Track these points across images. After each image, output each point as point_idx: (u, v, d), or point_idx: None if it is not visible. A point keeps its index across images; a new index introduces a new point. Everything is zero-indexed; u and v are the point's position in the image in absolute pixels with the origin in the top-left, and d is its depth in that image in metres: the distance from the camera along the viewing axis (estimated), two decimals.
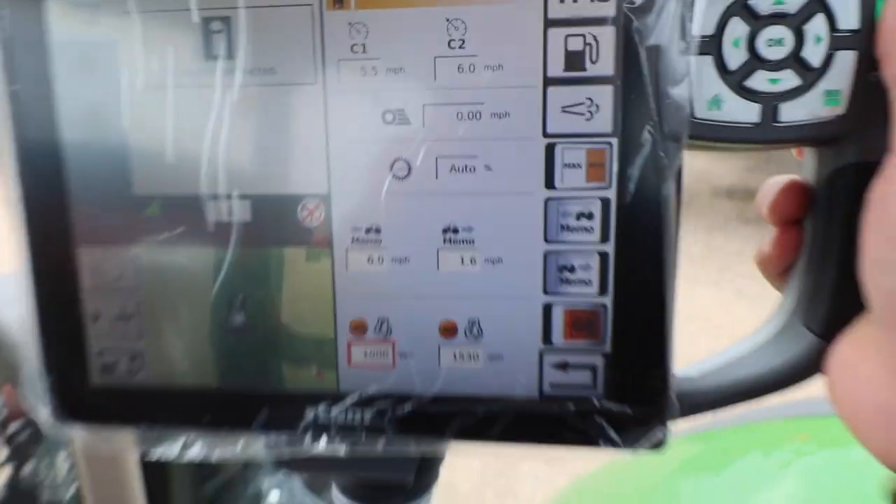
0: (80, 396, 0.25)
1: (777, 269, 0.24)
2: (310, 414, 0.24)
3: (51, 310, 0.25)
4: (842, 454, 0.59)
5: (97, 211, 0.24)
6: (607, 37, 0.21)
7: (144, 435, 0.25)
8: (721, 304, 2.44)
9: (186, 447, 0.25)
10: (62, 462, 1.00)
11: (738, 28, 0.20)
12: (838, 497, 0.54)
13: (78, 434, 0.25)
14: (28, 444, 0.99)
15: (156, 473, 0.81)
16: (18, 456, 0.98)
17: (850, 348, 0.21)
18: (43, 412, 0.25)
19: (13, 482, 0.91)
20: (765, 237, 0.24)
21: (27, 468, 0.99)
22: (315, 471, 0.27)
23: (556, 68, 0.21)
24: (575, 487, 0.78)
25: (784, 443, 0.66)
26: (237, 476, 1.03)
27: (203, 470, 0.95)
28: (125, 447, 0.25)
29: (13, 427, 0.97)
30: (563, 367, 0.23)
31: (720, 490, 0.62)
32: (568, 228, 0.22)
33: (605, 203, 0.22)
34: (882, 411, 0.19)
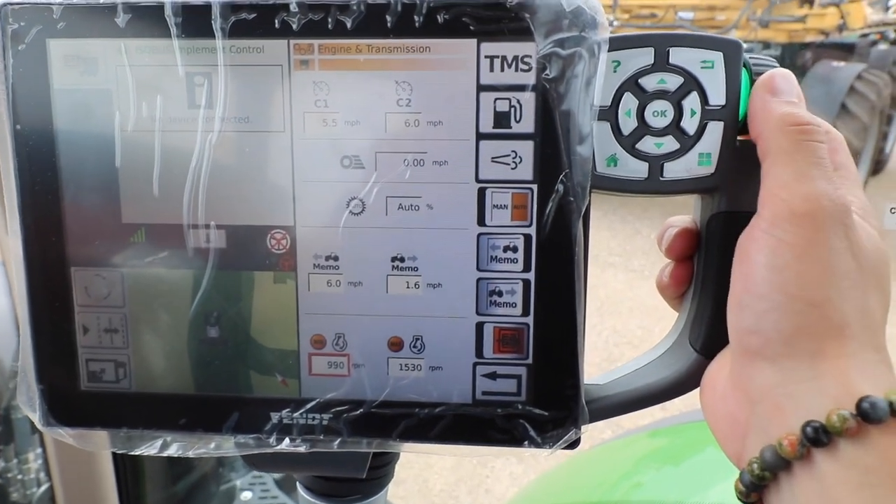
0: (69, 401, 0.28)
1: (672, 296, 0.29)
2: (275, 417, 0.28)
3: (45, 324, 0.28)
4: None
5: (89, 236, 0.27)
6: (528, 101, 0.25)
7: (127, 436, 0.28)
8: None
9: (165, 446, 0.28)
10: (32, 461, 1.01)
11: (629, 101, 0.25)
12: None
13: (66, 436, 0.29)
14: None
15: (128, 473, 0.83)
16: None
17: (715, 368, 0.26)
18: (34, 417, 0.28)
19: None
20: (664, 267, 0.29)
21: None
22: (279, 468, 0.30)
23: (487, 125, 0.25)
24: (541, 481, 0.82)
25: None
26: (210, 475, 1.05)
27: (175, 468, 0.97)
28: (104, 446, 0.29)
29: None
30: (493, 376, 0.27)
31: (680, 481, 0.66)
32: (497, 259, 0.26)
33: (528, 238, 0.26)
34: (729, 420, 0.24)
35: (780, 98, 0.24)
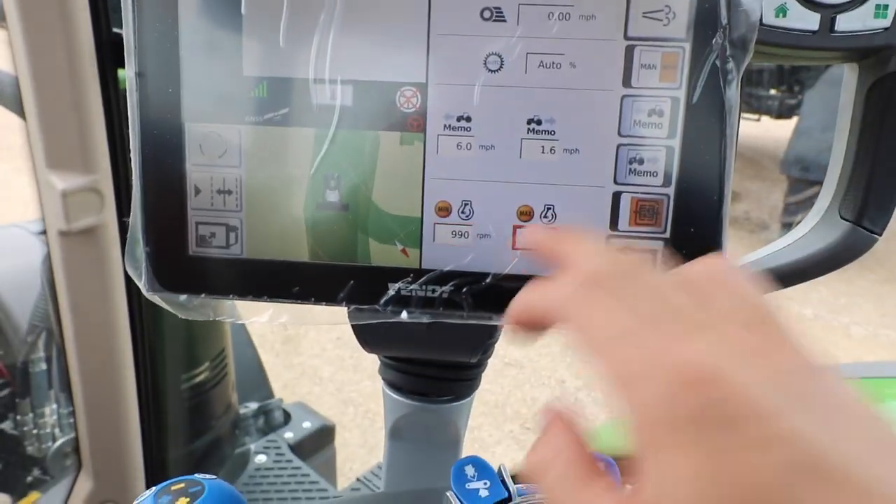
0: (177, 266, 0.27)
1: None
2: (393, 288, 0.26)
3: (155, 182, 0.26)
4: None
5: (207, 89, 0.26)
6: None
7: (235, 303, 0.27)
8: None
9: (276, 316, 0.27)
10: (49, 416, 1.00)
11: None
12: None
13: (171, 303, 0.27)
14: (9, 399, 0.98)
15: (152, 428, 0.82)
16: None
17: None
18: (139, 282, 0.27)
19: None
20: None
21: (7, 423, 0.98)
22: (390, 346, 0.29)
23: None
24: None
25: None
26: (225, 437, 1.04)
27: (194, 427, 0.96)
28: (211, 315, 0.27)
29: None
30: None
31: None
32: (640, 124, 0.25)
33: (675, 102, 0.25)
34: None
35: None
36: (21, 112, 0.64)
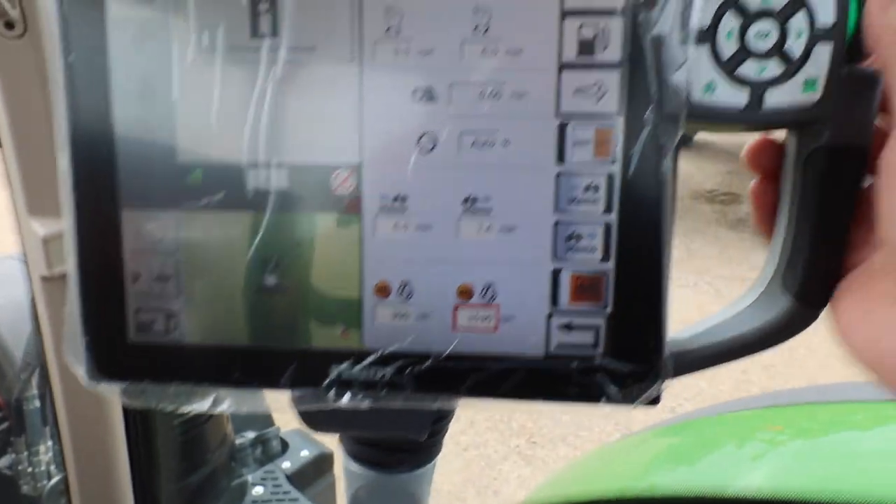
0: (117, 354, 0.27)
1: (760, 220, 0.27)
2: (335, 370, 0.26)
3: (93, 269, 0.26)
4: (812, 444, 0.62)
5: (143, 176, 0.26)
6: (616, 27, 0.23)
7: (177, 391, 0.27)
8: (699, 306, 2.50)
9: (217, 402, 0.27)
10: (43, 454, 0.99)
11: (731, 22, 0.23)
12: (810, 487, 0.56)
13: (112, 391, 0.27)
14: (5, 436, 0.98)
15: (143, 465, 0.82)
16: None
17: (861, 303, 0.23)
18: (80, 370, 0.27)
19: None
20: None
21: (4, 460, 0.98)
22: (336, 427, 0.29)
23: (570, 54, 0.24)
24: (552, 480, 0.80)
25: (758, 433, 0.68)
26: (221, 469, 1.04)
27: (187, 461, 0.95)
28: (152, 402, 0.27)
29: None
30: (569, 327, 0.25)
31: (695, 482, 0.64)
32: (576, 200, 0.25)
33: (610, 177, 0.24)
34: None
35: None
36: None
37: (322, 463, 1.15)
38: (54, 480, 0.95)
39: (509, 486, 1.69)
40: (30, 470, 0.98)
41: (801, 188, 0.25)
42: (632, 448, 0.76)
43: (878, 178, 0.22)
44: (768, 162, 0.26)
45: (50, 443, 0.97)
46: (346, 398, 0.26)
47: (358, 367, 0.26)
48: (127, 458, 0.81)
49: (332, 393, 0.26)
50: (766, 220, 0.26)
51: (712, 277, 2.54)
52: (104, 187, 0.26)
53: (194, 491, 0.98)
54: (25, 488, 0.97)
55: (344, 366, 0.26)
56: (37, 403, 0.96)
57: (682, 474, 0.67)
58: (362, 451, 0.32)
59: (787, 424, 0.66)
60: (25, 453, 0.97)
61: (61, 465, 0.95)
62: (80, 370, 0.27)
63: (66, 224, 0.26)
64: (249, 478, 1.08)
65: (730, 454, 0.68)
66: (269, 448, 1.15)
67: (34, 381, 0.97)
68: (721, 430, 0.73)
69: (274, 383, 0.26)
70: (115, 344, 0.27)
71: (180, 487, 0.95)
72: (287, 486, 1.08)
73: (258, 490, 1.06)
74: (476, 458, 1.77)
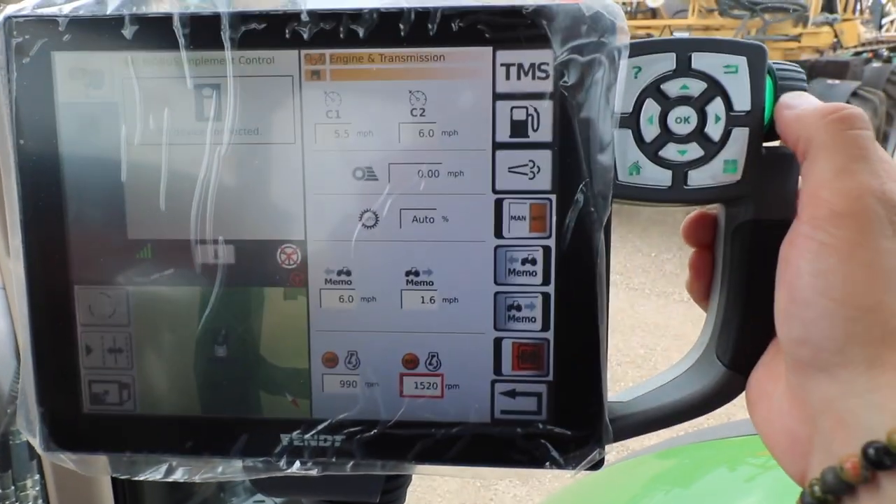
0: (71, 425, 0.27)
1: (696, 290, 0.28)
2: (285, 439, 0.27)
3: (46, 343, 0.27)
4: None
5: (93, 253, 0.26)
6: (546, 109, 0.24)
7: (131, 460, 0.27)
8: (693, 321, 2.51)
9: (171, 471, 0.27)
10: (30, 488, 0.99)
11: (651, 108, 0.24)
12: None
13: (67, 461, 0.27)
14: None
15: (128, 499, 0.82)
16: None
17: (765, 381, 0.24)
18: (34, 441, 0.27)
19: None
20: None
21: None
22: (288, 492, 0.29)
23: (503, 134, 0.25)
24: (550, 502, 0.80)
25: (749, 458, 0.68)
26: (210, 499, 1.03)
27: (175, 494, 0.95)
28: (106, 471, 0.27)
29: None
30: (512, 394, 0.26)
31: (690, 502, 0.65)
32: (515, 272, 0.25)
33: (547, 250, 0.25)
34: (789, 436, 0.22)
35: (807, 105, 0.23)
36: None
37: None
38: None
39: None
40: (18, 502, 0.97)
41: (731, 260, 0.25)
42: (628, 470, 0.76)
43: (777, 268, 0.23)
44: (703, 235, 0.27)
45: (37, 477, 0.97)
46: (297, 466, 0.27)
47: (308, 434, 0.27)
48: (111, 494, 0.81)
49: (283, 461, 0.27)
50: (704, 289, 0.27)
51: None
52: (56, 265, 0.26)
53: None
54: None
55: (294, 434, 0.27)
56: (23, 438, 0.96)
57: (677, 496, 0.68)
58: None
59: None
60: (12, 488, 0.96)
61: (46, 500, 0.94)
62: (35, 441, 0.27)
63: (18, 301, 0.26)
64: None
65: (723, 477, 0.68)
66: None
67: None
68: (714, 454, 0.73)
69: (226, 453, 0.27)
70: (69, 415, 0.27)
71: None
72: None
73: None
74: (472, 476, 1.76)
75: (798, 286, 0.21)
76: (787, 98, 0.23)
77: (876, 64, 4.25)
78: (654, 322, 2.63)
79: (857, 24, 4.24)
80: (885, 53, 4.48)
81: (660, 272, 3.17)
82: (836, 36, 3.99)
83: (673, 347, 2.41)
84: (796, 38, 3.84)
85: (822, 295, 0.21)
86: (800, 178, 0.22)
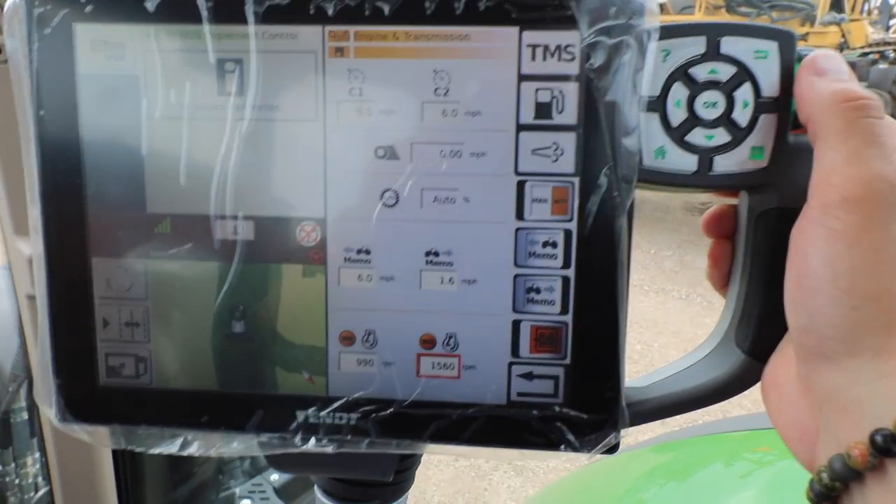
0: (87, 397, 0.27)
1: (716, 279, 0.28)
2: (300, 416, 0.27)
3: (63, 316, 0.27)
4: (800, 465, 0.62)
5: (112, 226, 0.26)
6: (571, 91, 0.24)
7: (146, 433, 0.27)
8: (691, 318, 2.51)
9: (185, 445, 0.27)
10: (30, 466, 0.99)
11: (679, 92, 0.24)
12: None
13: (82, 433, 0.27)
14: None
15: (129, 477, 0.82)
16: None
17: (778, 370, 0.24)
18: (50, 412, 0.27)
19: None
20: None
21: None
22: (303, 469, 0.29)
23: (527, 116, 0.25)
24: (543, 495, 0.81)
25: (745, 453, 0.69)
26: (209, 482, 1.04)
27: (175, 475, 0.95)
28: (121, 444, 0.27)
29: None
30: (529, 377, 0.26)
31: (684, 498, 0.65)
32: (535, 255, 0.25)
33: (568, 234, 0.25)
34: (798, 425, 0.23)
35: (827, 77, 0.22)
36: None
37: (309, 477, 1.15)
38: (41, 493, 0.95)
39: (499, 498, 1.70)
40: (17, 482, 0.98)
41: (753, 247, 0.25)
42: (624, 463, 0.77)
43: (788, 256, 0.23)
44: (725, 226, 0.27)
45: (37, 454, 0.97)
46: (312, 443, 0.27)
47: (323, 412, 0.27)
48: (112, 471, 0.82)
49: (298, 437, 0.27)
50: (723, 277, 0.27)
51: (705, 290, 2.55)
52: (75, 237, 0.26)
53: (182, 503, 0.98)
54: (12, 500, 0.97)
55: (310, 411, 0.27)
56: (24, 416, 0.96)
57: (672, 490, 0.68)
58: (334, 487, 0.33)
59: (774, 446, 0.67)
60: (13, 465, 0.97)
61: (48, 477, 0.95)
62: (51, 412, 0.27)
63: (36, 273, 0.26)
64: (237, 490, 1.08)
65: (719, 472, 0.68)
66: (256, 461, 1.15)
67: (23, 393, 0.97)
68: (711, 450, 0.73)
69: (241, 428, 0.27)
70: (85, 387, 0.27)
71: (168, 500, 0.95)
72: (275, 499, 1.08)
73: (246, 502, 1.06)
74: (466, 468, 1.77)
75: (805, 274, 0.21)
76: (816, 60, 0.23)
77: (882, 66, 4.24)
78: (652, 318, 2.63)
79: (864, 24, 4.22)
80: (893, 55, 4.46)
81: (659, 269, 3.17)
82: (843, 36, 3.97)
83: (671, 344, 2.42)
84: (803, 38, 3.83)
85: (829, 283, 0.21)
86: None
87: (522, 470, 1.77)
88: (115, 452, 0.80)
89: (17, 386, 0.97)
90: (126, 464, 0.82)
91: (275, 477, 1.11)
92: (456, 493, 1.70)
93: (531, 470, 1.77)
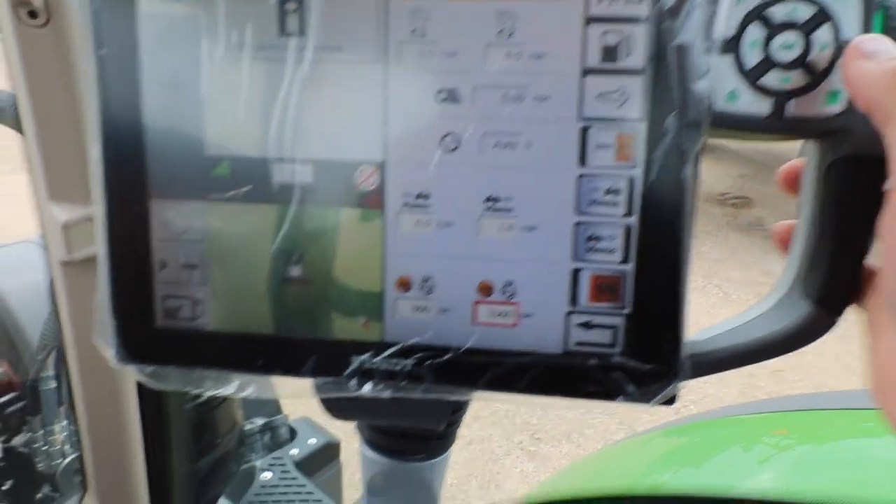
0: (144, 338, 0.27)
1: (779, 233, 0.27)
2: (356, 361, 0.27)
3: (122, 257, 0.27)
4: (819, 449, 0.62)
5: (171, 167, 0.26)
6: (640, 34, 0.24)
7: (202, 376, 0.28)
8: (707, 309, 2.49)
9: (242, 388, 0.27)
10: (59, 433, 1.01)
11: (755, 32, 0.23)
12: (817, 491, 0.56)
13: (139, 374, 0.28)
14: (20, 415, 1.00)
15: (156, 446, 0.83)
16: (10, 427, 0.99)
17: (893, 368, 0.22)
18: (108, 353, 0.28)
19: (6, 452, 0.93)
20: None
21: (18, 439, 1.00)
22: (356, 415, 0.29)
23: (594, 60, 0.24)
24: (557, 478, 0.80)
25: (763, 437, 0.68)
26: (231, 454, 1.05)
27: (199, 445, 0.97)
28: (178, 385, 0.28)
29: (4, 399, 0.99)
30: (587, 326, 0.26)
31: (700, 483, 0.65)
32: (597, 202, 0.25)
33: (631, 181, 0.25)
34: None
35: (878, 59, 0.22)
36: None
37: (329, 451, 1.17)
38: (69, 459, 0.97)
39: (511, 482, 1.70)
40: (45, 448, 1.00)
41: (823, 196, 0.25)
42: (638, 448, 0.76)
43: (882, 242, 0.22)
44: (792, 183, 0.26)
45: (65, 422, 0.99)
46: (368, 388, 0.27)
47: (379, 357, 0.27)
48: (140, 439, 0.83)
49: (353, 382, 0.27)
50: (788, 231, 0.27)
51: (721, 280, 2.53)
52: (134, 178, 0.26)
53: (205, 475, 1.00)
54: (41, 466, 0.99)
55: (365, 356, 0.27)
56: (53, 384, 0.98)
57: (687, 474, 0.68)
58: (379, 439, 0.33)
59: (793, 429, 0.66)
60: (41, 432, 0.99)
61: (76, 444, 0.96)
62: (109, 353, 0.27)
63: (96, 212, 0.27)
64: (258, 463, 1.09)
65: (736, 456, 0.68)
66: (277, 435, 1.16)
67: (51, 362, 0.99)
68: (727, 433, 0.73)
69: (296, 372, 0.27)
70: (142, 329, 0.27)
71: (191, 469, 0.97)
72: (295, 473, 1.09)
73: (266, 475, 1.07)
74: (479, 452, 1.77)
75: None
76: (861, 45, 0.22)
77: None
78: None
79: None
80: None
81: None
82: None
83: (687, 335, 2.39)
84: None
85: None
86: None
87: (535, 455, 1.77)
88: (143, 420, 0.81)
89: (46, 355, 0.98)
90: (153, 432, 0.83)
91: (295, 451, 1.12)
92: (469, 476, 1.71)
93: (544, 455, 1.77)
